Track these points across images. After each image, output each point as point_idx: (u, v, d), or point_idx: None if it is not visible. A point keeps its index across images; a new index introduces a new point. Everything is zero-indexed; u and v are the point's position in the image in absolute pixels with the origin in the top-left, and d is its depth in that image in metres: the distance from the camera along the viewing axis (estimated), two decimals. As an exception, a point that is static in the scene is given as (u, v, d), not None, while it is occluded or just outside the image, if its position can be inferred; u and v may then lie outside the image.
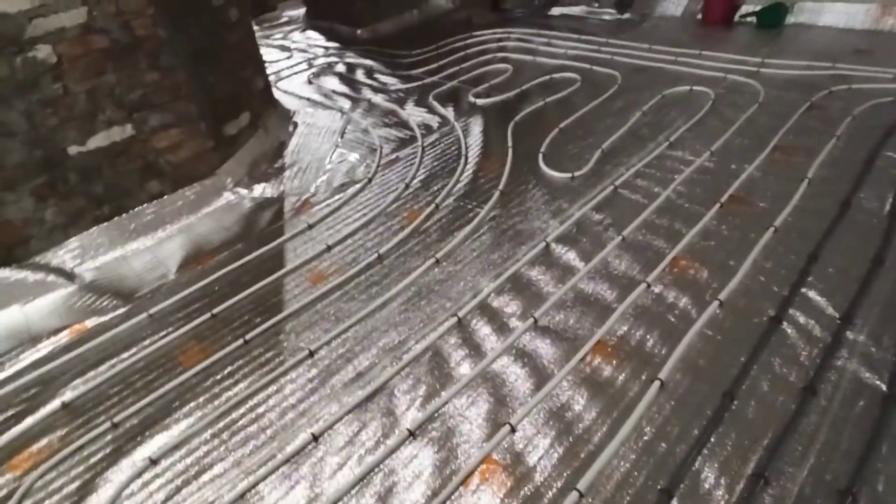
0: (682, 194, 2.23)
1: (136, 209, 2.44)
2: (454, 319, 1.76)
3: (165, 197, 2.52)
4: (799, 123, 2.61)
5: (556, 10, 4.77)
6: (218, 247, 2.35)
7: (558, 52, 3.86)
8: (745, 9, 4.00)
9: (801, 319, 1.62)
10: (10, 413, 1.68)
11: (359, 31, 4.93)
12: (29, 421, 1.63)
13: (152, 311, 1.99)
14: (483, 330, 1.73)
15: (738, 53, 3.44)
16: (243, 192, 2.68)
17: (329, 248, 2.21)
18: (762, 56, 3.34)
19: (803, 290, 1.72)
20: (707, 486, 1.24)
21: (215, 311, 1.95)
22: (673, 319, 1.68)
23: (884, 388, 1.39)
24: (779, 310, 1.65)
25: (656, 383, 1.47)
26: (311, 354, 1.73)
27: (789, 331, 1.59)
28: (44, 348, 1.90)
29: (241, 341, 1.81)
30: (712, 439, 1.34)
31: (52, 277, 2.16)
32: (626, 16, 4.40)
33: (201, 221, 2.52)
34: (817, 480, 1.23)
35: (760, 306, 1.68)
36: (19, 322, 2.00)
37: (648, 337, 1.63)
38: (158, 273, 2.22)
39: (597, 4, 4.59)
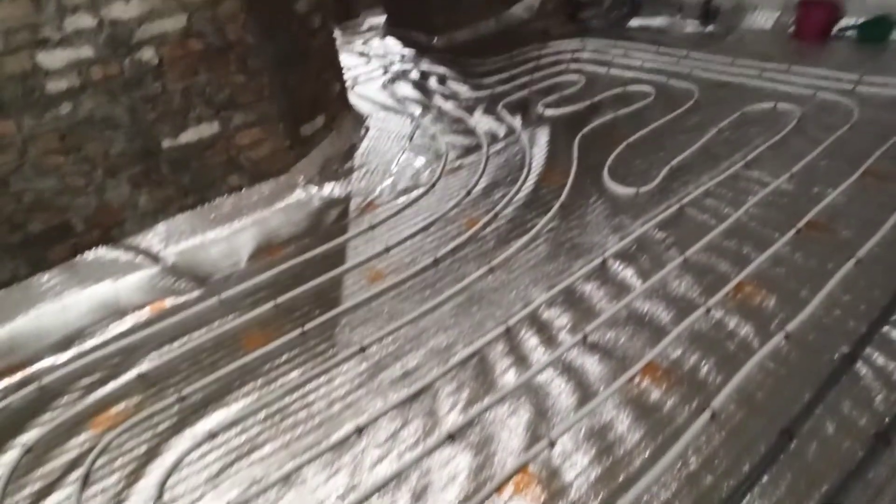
0: (755, 217, 2.12)
1: (216, 200, 2.62)
2: (503, 328, 1.77)
3: (243, 190, 2.69)
4: (897, 148, 2.41)
5: (635, 22, 4.65)
6: (286, 240, 2.49)
7: (634, 63, 3.77)
8: (844, 22, 3.72)
9: (880, 361, 1.49)
10: (95, 377, 1.86)
11: (435, 39, 5.03)
12: (111, 386, 1.81)
13: (223, 295, 2.13)
14: (531, 341, 1.73)
15: (833, 69, 3.20)
16: (313, 190, 2.81)
17: (388, 248, 2.28)
18: (860, 73, 3.10)
19: (885, 328, 1.59)
20: (754, 525, 1.18)
21: (279, 300, 2.07)
22: (732, 347, 1.60)
23: (970, 444, 1.27)
24: (854, 348, 1.54)
25: (707, 412, 1.41)
26: (363, 350, 1.80)
27: (864, 371, 1.48)
28: (128, 321, 2.09)
29: (299, 331, 1.91)
30: (765, 478, 1.27)
31: (140, 258, 2.37)
32: (711, 28, 4.22)
33: (273, 216, 2.67)
34: (880, 535, 1.14)
35: (833, 342, 1.57)
36: (111, 296, 2.22)
37: (703, 363, 1.57)
38: (231, 261, 2.38)
39: (679, 16, 4.43)
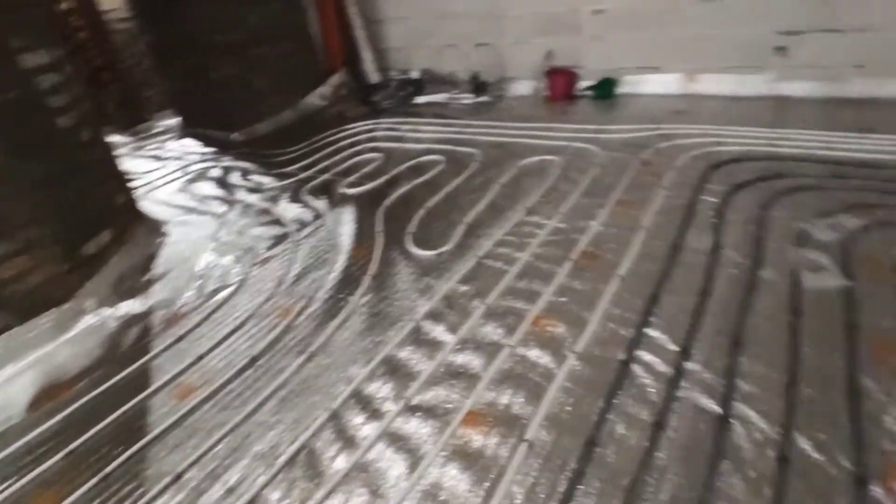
0: (539, 256, 2.40)
1: (-25, 350, 2.21)
2: (327, 414, 1.73)
3: (14, 329, 2.31)
4: (634, 179, 2.95)
5: (421, 99, 5.14)
6: (76, 375, 2.17)
7: (424, 136, 4.14)
8: (583, 84, 4.55)
9: (647, 358, 1.76)
10: None
11: (234, 135, 4.99)
12: None
13: (-7, 462, 1.77)
14: (357, 420, 1.71)
15: (580, 123, 3.88)
16: (107, 311, 2.52)
17: (199, 358, 2.11)
18: (599, 123, 3.79)
19: (646, 330, 1.88)
20: (573, 540, 1.28)
21: (71, 447, 1.77)
22: (537, 378, 1.76)
23: (719, 410, 1.54)
24: (627, 352, 1.80)
25: (524, 444, 1.52)
26: (178, 477, 1.61)
27: (637, 370, 1.72)
28: None
29: (98, 478, 1.65)
30: (578, 490, 1.39)
31: None
32: (484, 98, 4.84)
33: (59, 350, 2.32)
34: (671, 512, 1.30)
35: (612, 352, 1.81)
36: None
37: (514, 399, 1.69)
38: (3, 416, 2.00)
39: (456, 91, 5.01)
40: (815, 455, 1.37)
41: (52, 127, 2.58)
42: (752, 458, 1.39)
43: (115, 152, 3.23)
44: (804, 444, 1.40)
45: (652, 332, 1.86)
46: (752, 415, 1.50)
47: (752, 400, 1.54)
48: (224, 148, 4.85)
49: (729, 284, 2.03)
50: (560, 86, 4.56)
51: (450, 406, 1.70)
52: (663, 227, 2.46)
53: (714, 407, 1.55)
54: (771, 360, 1.67)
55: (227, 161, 4.48)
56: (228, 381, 1.97)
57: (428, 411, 1.70)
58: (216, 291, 2.57)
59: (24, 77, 2.44)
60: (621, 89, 4.44)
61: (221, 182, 4.03)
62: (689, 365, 1.71)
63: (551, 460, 1.48)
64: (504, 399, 1.70)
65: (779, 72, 3.79)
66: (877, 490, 1.27)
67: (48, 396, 2.07)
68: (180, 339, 2.26)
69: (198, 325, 2.34)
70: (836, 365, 1.61)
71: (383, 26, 5.57)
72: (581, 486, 1.40)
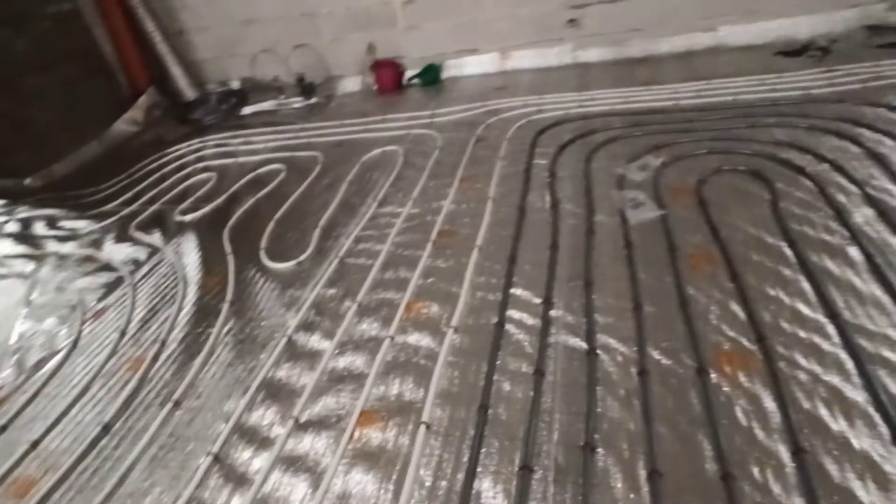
0: (399, 244, 2.42)
1: None
2: (209, 459, 1.58)
3: None
4: (473, 156, 3.10)
5: (247, 110, 4.85)
6: None
7: (258, 147, 3.92)
8: (408, 74, 4.65)
9: (516, 315, 1.87)
10: None
11: (27, 181, 4.26)
12: None
13: None
14: (244, 455, 1.59)
15: (413, 111, 3.96)
16: None
17: (34, 444, 1.79)
18: (432, 108, 3.91)
19: (511, 290, 2.00)
20: (489, 499, 1.32)
21: None
22: (422, 361, 1.78)
23: (585, 346, 1.69)
24: (499, 315, 1.89)
25: (422, 427, 1.53)
26: (36, 589, 1.36)
27: (511, 329, 1.82)
28: None
29: None
30: (482, 455, 1.44)
31: None
32: (314, 100, 4.71)
33: None
34: (566, 447, 1.41)
35: (485, 318, 1.89)
36: None
37: (404, 387, 1.70)
38: None
39: (283, 96, 4.82)
40: (665, 361, 1.57)
41: None
42: (619, 379, 1.55)
43: None
44: (655, 354, 1.60)
45: (516, 291, 1.98)
46: (612, 342, 1.67)
47: (610, 329, 1.72)
48: (16, 197, 4.12)
49: (572, 234, 2.23)
50: (387, 78, 4.60)
51: (342, 412, 1.65)
52: (507, 195, 2.62)
53: (581, 344, 1.70)
54: (617, 290, 1.87)
55: (24, 211, 3.82)
56: (80, 459, 1.69)
57: (320, 424, 1.63)
58: (41, 363, 2.19)
59: None
60: (446, 74, 4.61)
61: (22, 237, 3.43)
62: (553, 312, 1.85)
63: (451, 434, 1.52)
64: (394, 390, 1.69)
65: (575, 42, 4.22)
66: (714, 376, 1.50)
67: None
68: (4, 428, 1.89)
69: (25, 406, 1.98)
70: (666, 282, 1.86)
71: (187, 37, 5.13)
72: (483, 450, 1.45)
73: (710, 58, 3.80)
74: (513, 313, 1.89)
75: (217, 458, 1.58)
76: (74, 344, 2.25)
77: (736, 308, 1.71)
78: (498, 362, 1.71)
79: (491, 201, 2.58)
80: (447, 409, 1.59)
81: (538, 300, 1.92)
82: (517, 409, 1.54)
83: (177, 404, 1.81)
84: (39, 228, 3.49)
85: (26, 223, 3.62)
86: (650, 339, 1.65)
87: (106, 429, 1.78)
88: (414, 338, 1.88)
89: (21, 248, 3.27)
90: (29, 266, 3.01)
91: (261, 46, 4.87)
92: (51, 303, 2.61)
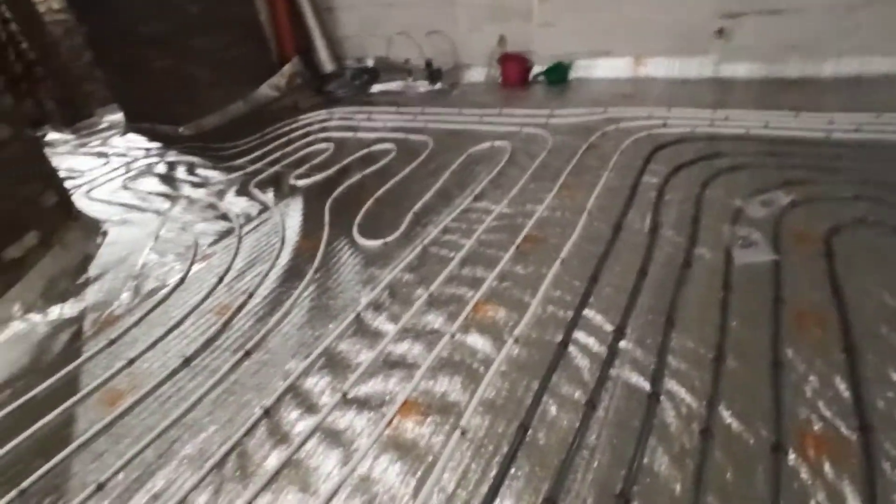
0: (484, 242, 2.39)
1: None
2: (260, 412, 1.68)
3: (-70, 341, 2.19)
4: (580, 163, 2.96)
5: (376, 88, 5.06)
6: (-1, 387, 2.07)
7: (377, 125, 4.08)
8: (535, 70, 4.54)
9: (583, 339, 1.77)
10: None
11: (181, 129, 4.83)
12: None
13: None
14: (292, 415, 1.67)
15: (532, 108, 3.87)
16: (36, 317, 2.41)
17: (131, 361, 2.03)
18: (551, 108, 3.79)
19: (585, 311, 1.89)
20: (500, 524, 1.27)
21: (-14, 462, 1.69)
22: (475, 365, 1.75)
23: (648, 387, 1.55)
24: (565, 334, 1.80)
25: (457, 432, 1.51)
26: (101, 487, 1.55)
27: (573, 352, 1.73)
28: None
29: (15, 492, 1.57)
30: (510, 475, 1.39)
31: None
32: (438, 86, 4.79)
33: (-19, 361, 2.21)
34: (600, 491, 1.31)
35: (549, 334, 1.81)
36: None
37: (451, 387, 1.68)
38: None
39: (411, 79, 4.95)
40: (737, 426, 1.39)
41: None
42: (677, 433, 1.40)
43: (44, 150, 3.09)
44: (727, 416, 1.42)
45: (589, 313, 1.87)
46: (680, 390, 1.51)
47: (681, 376, 1.56)
48: (170, 143, 4.70)
49: (665, 263, 2.05)
50: (513, 72, 4.54)
51: (387, 397, 1.68)
52: (606, 210, 2.47)
53: (644, 384, 1.56)
54: (700, 335, 1.69)
55: (173, 156, 4.34)
56: (160, 384, 1.90)
57: (364, 403, 1.67)
58: (154, 291, 2.48)
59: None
60: (573, 74, 4.44)
61: (166, 178, 3.90)
62: (623, 344, 1.72)
63: (484, 446, 1.47)
64: (441, 387, 1.68)
65: (720, 54, 3.84)
66: (793, 457, 1.30)
67: (-33, 410, 1.96)
68: (112, 342, 2.17)
69: (131, 327, 2.25)
70: (761, 337, 1.64)
71: (335, 14, 5.45)
72: (512, 470, 1.40)
73: (886, 87, 3.26)
74: (580, 336, 1.78)
75: (267, 413, 1.69)
76: (182, 280, 2.51)
77: (841, 385, 1.46)
78: (551, 383, 1.63)
79: (587, 214, 2.45)
80: (487, 419, 1.55)
81: (610, 327, 1.79)
82: (558, 437, 1.46)
83: (247, 354, 1.95)
84: (180, 172, 3.94)
85: (172, 166, 4.11)
86: (724, 398, 1.47)
87: (187, 362, 1.97)
88: (473, 339, 1.85)
89: (163, 188, 3.72)
90: (165, 205, 3.42)
91: (398, 29, 5.03)
92: (174, 240, 2.94)
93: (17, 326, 2.36)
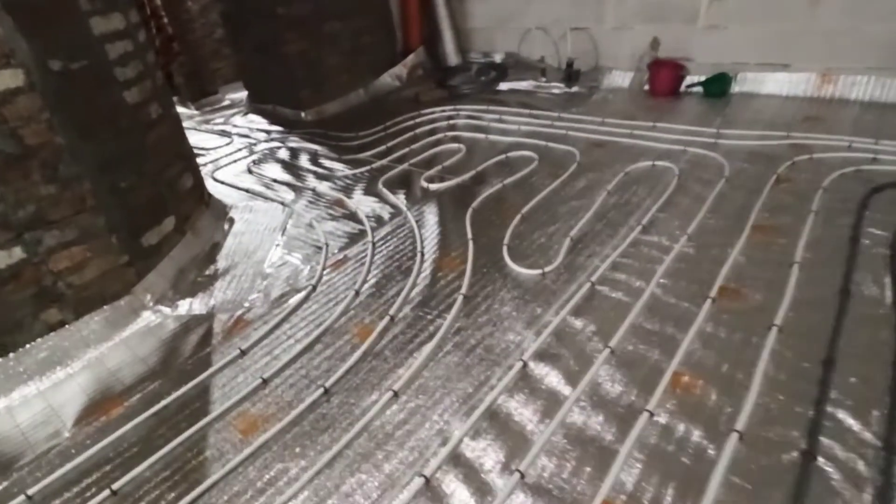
0: (668, 288, 1.99)
1: (27, 346, 2.01)
2: (421, 480, 1.40)
3: (67, 326, 2.10)
4: (771, 198, 2.47)
5: (503, 86, 4.72)
6: (130, 387, 1.93)
7: (511, 128, 3.74)
8: (689, 79, 4.02)
9: (839, 452, 1.34)
10: None
11: (303, 114, 4.73)
12: None
13: (32, 490, 1.53)
14: (458, 494, 1.38)
15: (691, 124, 3.38)
16: (166, 310, 2.29)
17: (265, 381, 1.83)
18: (716, 126, 3.29)
19: (829, 408, 1.46)
20: None
21: (116, 485, 1.52)
22: (688, 461, 1.37)
23: (962, 548, 1.11)
24: (809, 439, 1.38)
25: (685, 565, 1.14)
26: (237, 546, 1.33)
27: (829, 469, 1.31)
28: None
29: (144, 528, 1.39)
30: None
31: None
32: (575, 89, 4.38)
33: (112, 352, 2.11)
34: None
35: (788, 435, 1.40)
36: None
37: (663, 489, 1.31)
38: (50, 429, 1.77)
39: (544, 79, 4.56)
40: None
41: (119, 102, 2.33)
42: None
43: (184, 130, 3.00)
44: None
45: (838, 414, 1.44)
46: None
47: None
48: (291, 126, 4.61)
49: (935, 355, 1.57)
50: (664, 79, 4.04)
51: (578, 489, 1.34)
52: (822, 266, 1.99)
53: (954, 543, 1.13)
54: None
55: (295, 141, 4.22)
56: (299, 419, 1.66)
57: (550, 494, 1.34)
58: (284, 297, 2.28)
59: (93, 44, 2.19)
60: (736, 88, 3.88)
61: (289, 165, 3.77)
62: (900, 468, 1.28)
63: None
64: (650, 487, 1.32)
65: (945, 76, 3.17)
66: None
67: (98, 410, 1.83)
68: (244, 353, 1.98)
69: (263, 337, 2.06)
70: None
71: (466, 5, 5.15)
72: None
73: None
74: (830, 444, 1.36)
75: (428, 483, 1.40)
76: (314, 288, 2.30)
77: None
78: (805, 512, 1.22)
79: (797, 267, 1.98)
80: (722, 551, 1.18)
81: (874, 440, 1.35)
82: None
83: (395, 395, 1.68)
84: (304, 161, 3.79)
85: (294, 153, 3.98)
86: None
87: (327, 393, 1.73)
88: (682, 425, 1.47)
89: (286, 176, 3.58)
90: (289, 195, 3.26)
91: (537, 23, 4.66)
92: (301, 237, 2.75)
93: (148, 318, 2.25)
